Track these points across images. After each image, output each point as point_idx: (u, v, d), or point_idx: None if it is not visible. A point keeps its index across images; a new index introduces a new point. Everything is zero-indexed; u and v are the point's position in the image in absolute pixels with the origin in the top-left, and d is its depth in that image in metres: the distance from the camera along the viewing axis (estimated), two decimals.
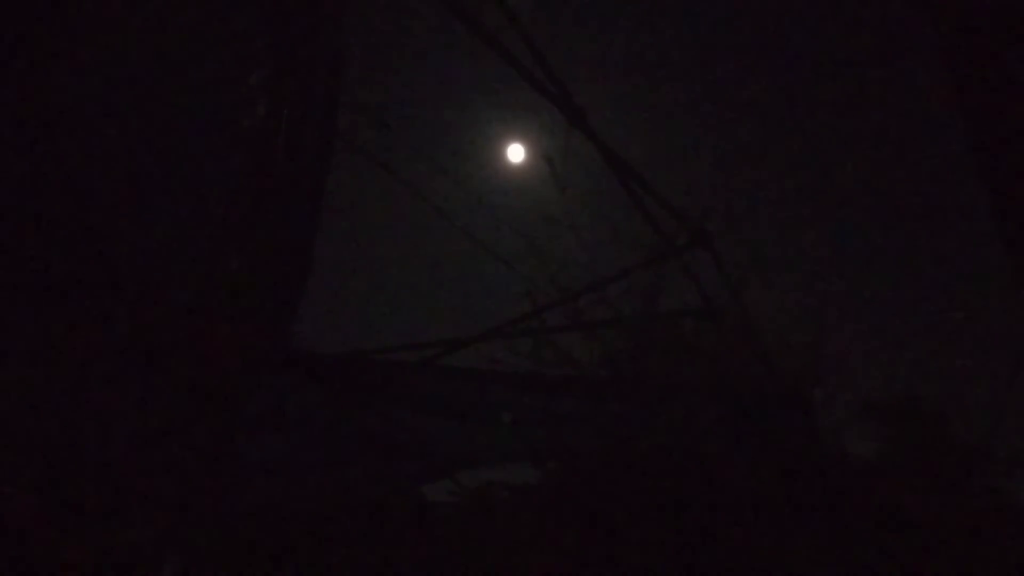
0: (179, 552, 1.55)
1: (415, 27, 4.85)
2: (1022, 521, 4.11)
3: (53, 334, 1.72)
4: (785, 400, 3.98)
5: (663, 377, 5.08)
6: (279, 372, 2.14)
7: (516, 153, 6.24)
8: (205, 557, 1.59)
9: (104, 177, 1.68)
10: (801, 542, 3.74)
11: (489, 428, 2.96)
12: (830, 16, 6.79)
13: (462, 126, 6.48)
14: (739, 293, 4.35)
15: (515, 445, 3.45)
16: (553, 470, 4.72)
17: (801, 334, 5.45)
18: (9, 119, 1.54)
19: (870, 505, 3.95)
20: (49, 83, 1.56)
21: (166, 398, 1.76)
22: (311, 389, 2.39)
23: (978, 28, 2.10)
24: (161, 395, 1.77)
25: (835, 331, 5.52)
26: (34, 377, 1.74)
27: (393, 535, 4.12)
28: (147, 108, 1.73)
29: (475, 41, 2.16)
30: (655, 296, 5.39)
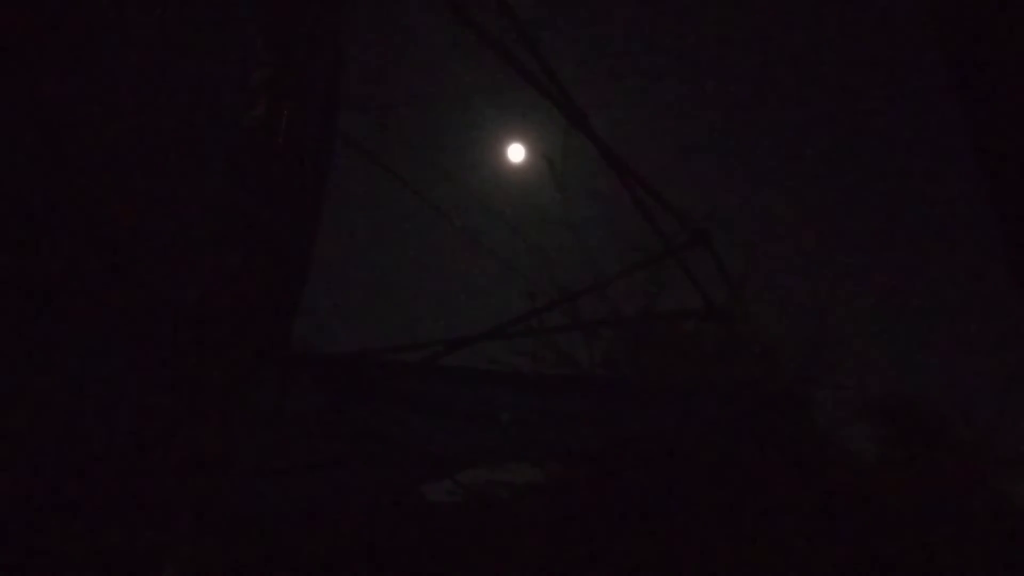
0: (179, 552, 1.55)
1: (415, 27, 4.85)
2: (1022, 521, 4.11)
3: (53, 334, 1.72)
4: (785, 400, 3.98)
5: (664, 377, 5.08)
6: (279, 372, 2.14)
7: (516, 153, 6.24)
8: (205, 557, 1.59)
9: (104, 177, 1.68)
10: (801, 541, 3.74)
11: (489, 428, 2.96)
12: (831, 16, 6.79)
13: (462, 126, 6.48)
14: (739, 293, 4.35)
15: (515, 445, 3.44)
16: (553, 470, 4.72)
17: (801, 334, 5.44)
18: (9, 119, 1.54)
19: (870, 505, 3.95)
20: (48, 83, 1.56)
21: (166, 397, 1.76)
22: (311, 389, 2.38)
23: (978, 28, 2.10)
24: (161, 394, 1.77)
25: (835, 331, 5.52)
26: (34, 377, 1.74)
27: (393, 535, 4.12)
28: (146, 108, 1.73)
29: (475, 41, 2.16)
30: (655, 296, 5.39)
